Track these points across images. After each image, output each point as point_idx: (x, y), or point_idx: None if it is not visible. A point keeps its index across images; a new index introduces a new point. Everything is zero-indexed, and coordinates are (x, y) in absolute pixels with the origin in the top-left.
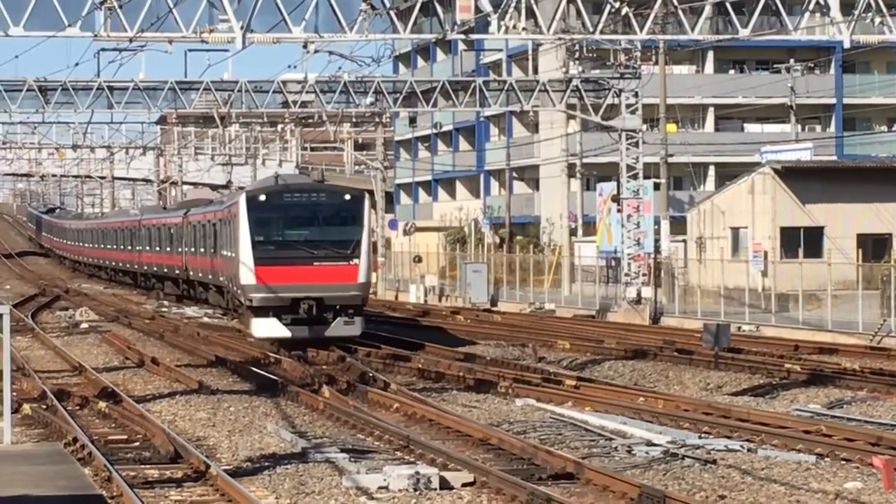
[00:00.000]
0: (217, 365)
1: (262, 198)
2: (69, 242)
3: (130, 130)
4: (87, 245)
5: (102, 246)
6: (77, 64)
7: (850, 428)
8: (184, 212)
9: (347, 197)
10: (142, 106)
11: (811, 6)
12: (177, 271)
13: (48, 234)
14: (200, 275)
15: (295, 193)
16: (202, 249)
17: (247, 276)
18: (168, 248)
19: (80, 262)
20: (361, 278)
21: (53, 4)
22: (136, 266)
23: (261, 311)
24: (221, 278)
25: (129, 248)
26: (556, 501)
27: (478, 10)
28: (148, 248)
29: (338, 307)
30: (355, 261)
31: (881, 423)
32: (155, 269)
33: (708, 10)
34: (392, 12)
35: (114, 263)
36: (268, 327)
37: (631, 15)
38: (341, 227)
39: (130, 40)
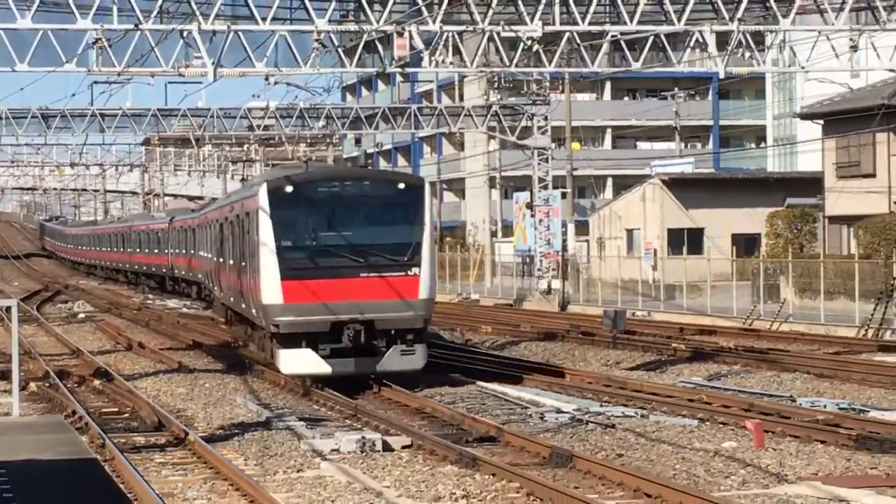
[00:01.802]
0: (194, 348)
1: (289, 189)
2: (83, 248)
3: (119, 150)
4: (104, 249)
5: (123, 250)
6: (74, 94)
7: (727, 396)
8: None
9: (402, 186)
10: (129, 130)
11: (692, 43)
12: (199, 276)
13: (52, 238)
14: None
15: (333, 182)
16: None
17: (270, 293)
18: (192, 251)
19: (96, 266)
20: (423, 293)
21: (53, 44)
22: (163, 270)
23: (290, 340)
24: (231, 297)
25: (157, 251)
26: (481, 460)
27: (412, 47)
28: (175, 250)
29: (393, 332)
30: (415, 270)
31: (752, 392)
32: (183, 272)
33: (606, 47)
34: (340, 50)
35: (136, 267)
36: (300, 361)
37: (541, 51)
38: (396, 227)
39: (119, 74)
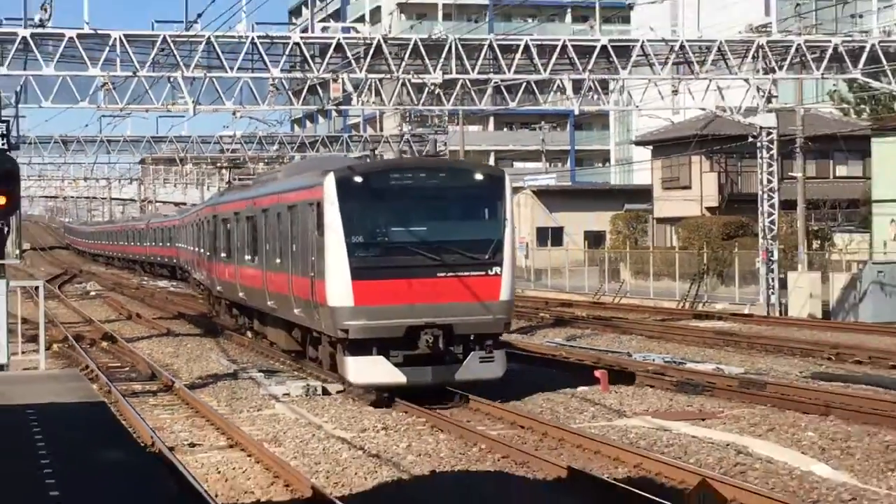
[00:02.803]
0: (179, 318)
1: (359, 179)
2: (103, 242)
3: (121, 167)
4: (121, 243)
5: (138, 243)
6: (87, 125)
7: (581, 353)
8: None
9: (481, 177)
10: (129, 152)
11: (554, 87)
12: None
13: (74, 235)
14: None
15: (406, 173)
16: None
17: (339, 294)
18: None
19: (113, 257)
20: (505, 295)
21: (70, 87)
22: (174, 260)
23: (360, 347)
24: (272, 302)
25: (169, 244)
26: (397, 400)
27: (344, 90)
28: (181, 245)
29: (472, 337)
30: (496, 270)
31: (600, 350)
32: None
33: (490, 90)
34: (290, 92)
35: (150, 258)
36: (372, 370)
37: (441, 93)
38: (476, 222)
39: (121, 110)
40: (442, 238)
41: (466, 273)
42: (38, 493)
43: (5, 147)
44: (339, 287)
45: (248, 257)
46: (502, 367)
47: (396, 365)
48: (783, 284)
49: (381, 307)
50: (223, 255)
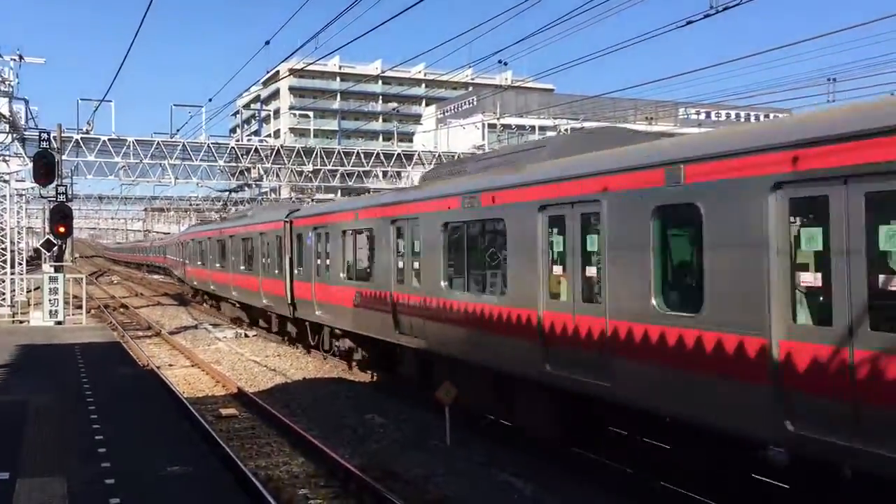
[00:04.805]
0: (164, 296)
1: None
2: (124, 253)
3: (134, 213)
4: (131, 253)
5: (144, 254)
6: (113, 189)
7: None
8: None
9: None
10: (138, 205)
11: (372, 175)
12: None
13: (106, 250)
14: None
15: None
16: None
17: None
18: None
19: (123, 262)
20: None
21: (103, 167)
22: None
23: None
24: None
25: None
26: (287, 339)
27: (259, 173)
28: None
29: None
30: None
31: None
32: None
33: (338, 175)
34: (228, 173)
35: (146, 263)
36: None
37: (312, 176)
38: None
39: (132, 180)
40: None
41: None
42: (79, 387)
43: (65, 199)
44: None
45: (343, 275)
46: None
47: None
48: None
49: None
50: (276, 271)
